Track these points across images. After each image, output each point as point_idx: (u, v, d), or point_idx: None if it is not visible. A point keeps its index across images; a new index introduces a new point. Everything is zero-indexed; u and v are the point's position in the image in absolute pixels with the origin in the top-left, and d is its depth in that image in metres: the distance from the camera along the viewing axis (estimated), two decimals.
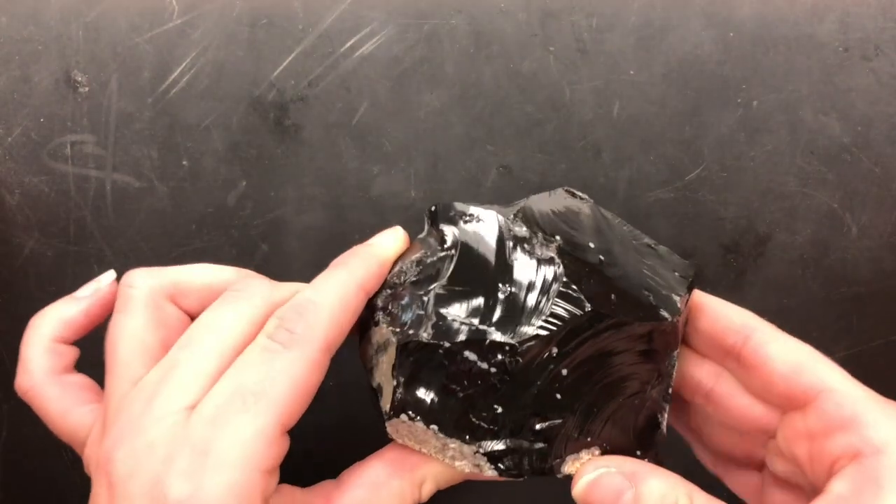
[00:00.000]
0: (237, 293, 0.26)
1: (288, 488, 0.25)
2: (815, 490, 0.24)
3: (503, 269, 0.25)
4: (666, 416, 0.27)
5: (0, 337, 0.42)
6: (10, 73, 0.39)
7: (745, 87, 0.38)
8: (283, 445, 0.23)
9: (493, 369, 0.24)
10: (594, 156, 0.39)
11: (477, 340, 0.24)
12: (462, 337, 0.24)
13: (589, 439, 0.26)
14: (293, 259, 0.40)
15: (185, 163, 0.39)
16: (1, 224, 0.40)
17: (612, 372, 0.25)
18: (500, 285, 0.25)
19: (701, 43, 0.38)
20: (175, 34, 0.39)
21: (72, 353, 0.28)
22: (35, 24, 0.39)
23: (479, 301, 0.24)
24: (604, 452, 0.26)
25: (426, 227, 0.28)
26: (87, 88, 0.39)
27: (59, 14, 0.39)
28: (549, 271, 0.25)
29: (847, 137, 0.39)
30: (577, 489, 0.26)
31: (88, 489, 0.26)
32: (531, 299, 0.24)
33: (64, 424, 0.27)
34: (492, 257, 0.25)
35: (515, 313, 0.24)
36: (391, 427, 0.25)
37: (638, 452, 0.27)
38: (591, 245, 0.26)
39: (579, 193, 0.28)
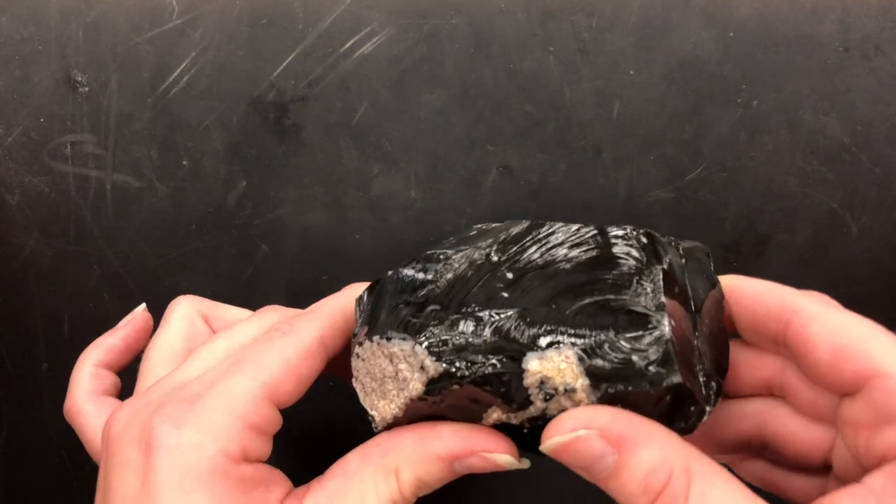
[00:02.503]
0: (261, 313, 0.29)
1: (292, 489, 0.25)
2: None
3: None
4: (665, 321, 0.22)
5: (0, 337, 0.42)
6: (10, 73, 0.39)
7: (745, 87, 0.38)
8: (269, 412, 0.24)
9: (429, 276, 0.25)
10: (594, 156, 0.39)
11: (414, 258, 0.26)
12: (402, 267, 0.26)
13: (552, 338, 0.23)
14: (293, 259, 0.40)
15: (185, 163, 0.39)
16: (1, 224, 0.40)
17: (568, 273, 0.24)
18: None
19: (701, 43, 0.38)
20: (175, 34, 0.39)
21: (112, 378, 0.31)
22: (35, 24, 0.39)
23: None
24: (580, 356, 0.22)
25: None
26: (87, 88, 0.39)
27: (59, 14, 0.39)
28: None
29: (847, 137, 0.39)
30: (548, 445, 0.22)
31: (88, 489, 0.26)
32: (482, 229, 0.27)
33: (98, 442, 0.28)
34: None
35: (463, 241, 0.26)
36: (356, 382, 0.25)
37: (634, 357, 0.22)
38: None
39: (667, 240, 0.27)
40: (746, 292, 0.25)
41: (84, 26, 0.39)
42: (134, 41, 0.39)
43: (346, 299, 0.28)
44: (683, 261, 0.26)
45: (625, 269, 0.24)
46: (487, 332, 0.23)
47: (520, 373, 0.22)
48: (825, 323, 0.23)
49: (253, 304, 0.40)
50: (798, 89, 0.38)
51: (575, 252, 0.25)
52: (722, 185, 0.39)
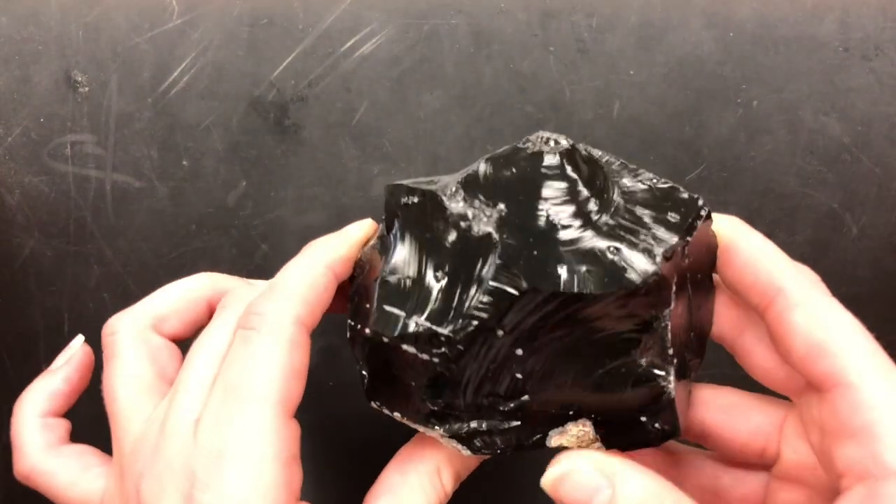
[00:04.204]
0: (222, 308, 0.26)
1: None
2: (826, 489, 0.22)
3: (438, 252, 0.24)
4: (671, 376, 0.23)
5: (0, 337, 0.42)
6: (10, 73, 0.39)
7: (745, 87, 0.38)
8: (291, 429, 0.23)
9: (435, 359, 0.23)
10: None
11: (411, 334, 0.23)
12: (397, 332, 0.23)
13: (571, 412, 0.24)
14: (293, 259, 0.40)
15: (185, 163, 0.39)
16: (1, 224, 0.40)
17: (579, 344, 0.23)
18: (436, 273, 0.24)
19: (701, 43, 0.38)
20: (175, 34, 0.39)
21: (64, 426, 0.27)
22: (35, 24, 0.39)
23: (416, 290, 0.23)
24: (596, 423, 0.24)
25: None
26: (87, 88, 0.39)
27: (59, 14, 0.39)
28: (484, 250, 0.23)
29: (847, 137, 0.39)
30: (546, 482, 0.23)
31: None
32: (466, 284, 0.23)
33: (74, 495, 0.25)
34: (427, 241, 0.24)
35: (451, 301, 0.23)
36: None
37: (643, 419, 0.24)
38: (548, 206, 0.23)
39: (555, 137, 0.25)
40: (739, 254, 0.24)
41: (84, 26, 0.39)
42: (134, 41, 0.39)
43: (311, 268, 0.25)
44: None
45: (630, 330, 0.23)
46: (507, 423, 0.24)
47: (541, 443, 0.25)
48: (807, 312, 0.22)
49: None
50: (798, 89, 0.38)
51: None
52: (722, 185, 0.39)
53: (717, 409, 0.26)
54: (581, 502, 0.22)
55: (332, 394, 0.40)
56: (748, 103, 0.39)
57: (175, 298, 0.28)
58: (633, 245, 0.23)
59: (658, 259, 0.22)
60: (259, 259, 0.40)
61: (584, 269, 0.22)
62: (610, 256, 0.22)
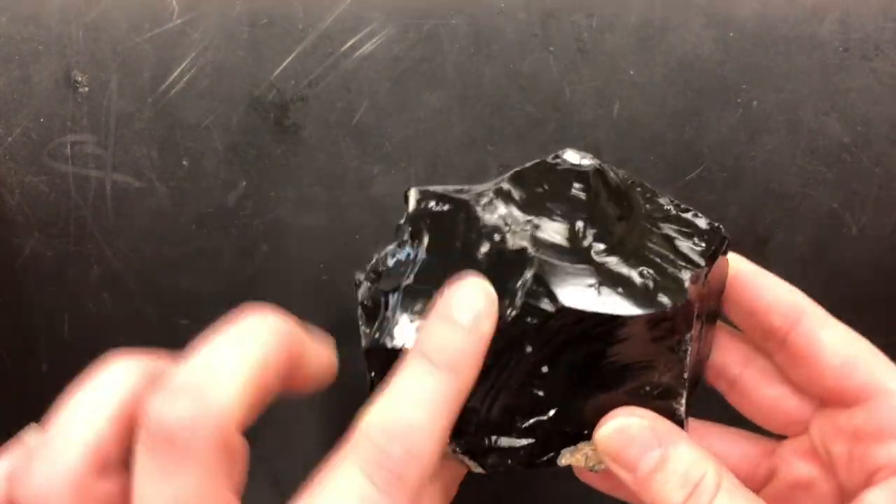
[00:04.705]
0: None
1: None
2: (844, 495, 0.23)
3: (470, 265, 0.23)
4: (684, 402, 0.24)
5: (0, 337, 0.42)
6: (10, 73, 0.39)
7: (745, 87, 0.38)
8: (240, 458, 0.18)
9: None
10: (594, 156, 0.39)
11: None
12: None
13: (586, 432, 0.24)
14: (293, 259, 0.40)
15: (185, 163, 0.39)
16: (1, 224, 0.40)
17: (604, 365, 0.23)
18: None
19: (701, 43, 0.38)
20: (175, 34, 0.39)
21: None
22: (35, 24, 0.39)
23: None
24: None
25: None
26: (87, 88, 0.39)
27: (59, 14, 0.39)
28: (518, 265, 0.23)
29: (847, 137, 0.39)
30: (601, 434, 0.23)
31: None
32: (499, 298, 0.22)
33: None
34: (458, 251, 0.24)
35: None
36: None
37: None
38: (580, 224, 0.24)
39: (582, 156, 0.26)
40: (754, 278, 0.25)
41: (84, 26, 0.39)
42: (134, 41, 0.39)
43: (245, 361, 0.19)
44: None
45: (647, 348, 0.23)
46: (522, 440, 0.24)
47: (552, 462, 0.25)
48: (836, 332, 0.24)
49: (253, 303, 0.40)
50: (798, 89, 0.38)
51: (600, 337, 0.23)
52: (722, 185, 0.39)
53: (707, 437, 0.27)
54: (632, 458, 0.22)
55: (332, 403, 0.40)
56: (748, 103, 0.39)
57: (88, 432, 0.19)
58: (662, 269, 0.23)
59: (687, 284, 0.23)
60: (259, 259, 0.40)
61: (616, 290, 0.22)
62: (641, 280, 0.23)
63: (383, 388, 0.20)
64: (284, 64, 0.39)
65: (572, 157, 0.25)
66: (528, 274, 0.22)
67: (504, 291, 0.22)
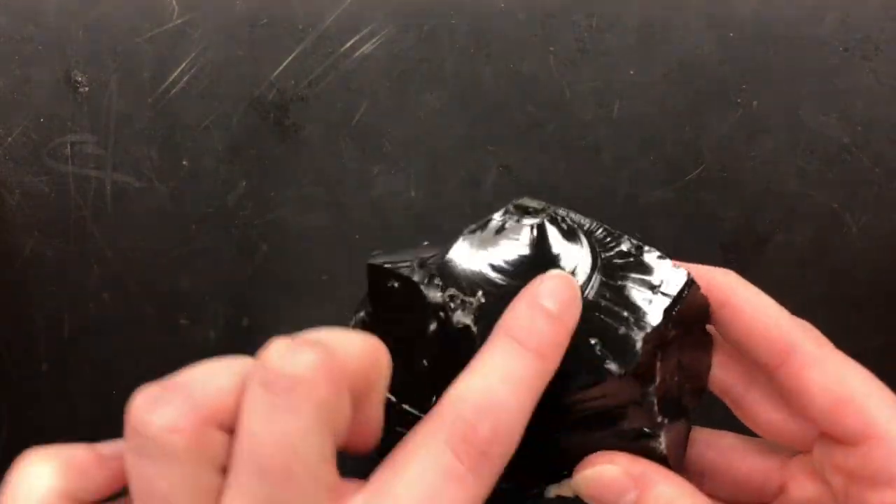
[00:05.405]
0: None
1: None
2: None
3: (422, 339, 0.23)
4: (662, 440, 0.24)
5: (0, 337, 0.42)
6: (10, 73, 0.39)
7: (745, 87, 0.38)
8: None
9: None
10: (594, 156, 0.39)
11: (394, 419, 0.22)
12: (388, 419, 0.22)
13: (566, 472, 0.24)
14: (293, 259, 0.40)
15: (185, 163, 0.39)
16: (1, 224, 0.40)
17: (564, 420, 0.23)
18: (420, 361, 0.23)
19: (701, 43, 0.38)
20: (175, 34, 0.39)
21: None
22: (35, 24, 0.39)
23: (399, 380, 0.22)
24: None
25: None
26: (87, 88, 0.39)
27: (59, 14, 0.39)
28: (463, 342, 0.22)
29: (847, 137, 0.39)
30: (577, 482, 0.23)
31: None
32: (451, 374, 0.21)
33: None
34: (413, 330, 0.24)
35: (434, 392, 0.22)
36: None
37: None
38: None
39: (533, 205, 0.24)
40: (742, 314, 0.24)
41: (84, 26, 0.39)
42: (134, 41, 0.39)
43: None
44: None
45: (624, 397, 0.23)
46: (503, 484, 0.24)
47: (539, 496, 0.25)
48: (825, 370, 0.22)
49: (253, 303, 0.40)
50: (798, 89, 0.38)
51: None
52: (722, 185, 0.39)
53: (717, 449, 0.26)
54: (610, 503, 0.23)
55: None
56: (748, 103, 0.39)
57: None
58: (613, 330, 0.23)
59: (638, 345, 0.22)
60: (259, 259, 0.40)
61: (567, 360, 0.22)
62: (591, 344, 0.22)
63: (472, 365, 0.21)
64: (284, 64, 0.39)
65: (525, 208, 0.24)
66: (472, 352, 0.22)
67: (453, 368, 0.22)
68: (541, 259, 0.23)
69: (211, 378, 0.18)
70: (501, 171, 0.39)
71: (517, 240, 0.24)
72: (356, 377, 0.19)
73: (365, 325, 0.25)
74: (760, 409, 0.25)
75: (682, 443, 0.26)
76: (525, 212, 0.24)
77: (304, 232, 0.40)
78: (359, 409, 0.19)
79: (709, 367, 0.26)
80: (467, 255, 0.24)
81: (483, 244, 0.24)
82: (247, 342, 0.40)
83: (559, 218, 0.24)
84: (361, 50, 0.39)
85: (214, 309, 0.40)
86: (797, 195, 0.39)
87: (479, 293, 0.23)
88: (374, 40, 0.39)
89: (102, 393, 0.41)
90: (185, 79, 0.39)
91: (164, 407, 0.18)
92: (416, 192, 0.39)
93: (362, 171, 0.39)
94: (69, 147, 0.39)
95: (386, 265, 0.24)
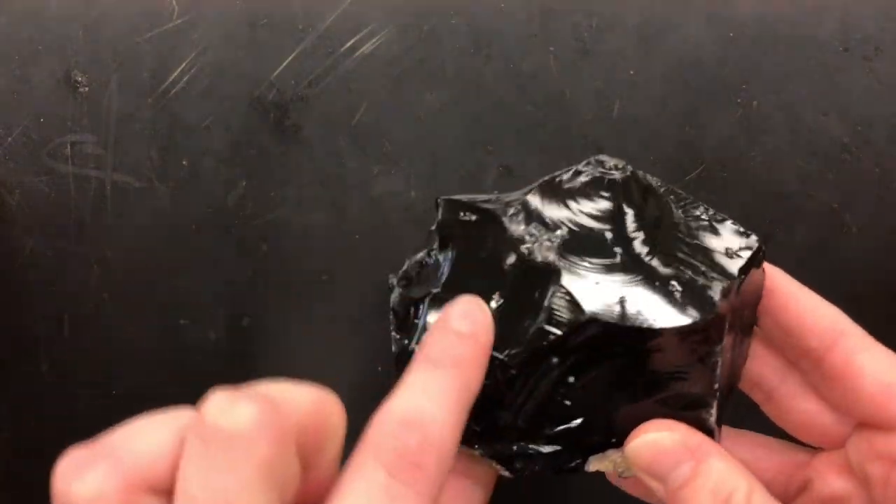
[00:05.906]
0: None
1: None
2: None
3: (497, 276, 0.23)
4: (714, 412, 0.24)
5: (0, 337, 0.42)
6: (10, 73, 0.39)
7: (745, 87, 0.38)
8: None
9: (486, 381, 0.23)
10: (594, 156, 0.39)
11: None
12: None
13: (614, 440, 0.24)
14: (293, 259, 0.40)
15: (185, 163, 0.39)
16: (1, 224, 0.40)
17: (632, 375, 0.23)
18: (494, 295, 0.23)
19: (701, 43, 0.38)
20: (175, 34, 0.39)
21: None
22: (35, 24, 0.39)
23: None
24: None
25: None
26: (87, 88, 0.39)
27: (59, 14, 0.39)
28: (544, 277, 0.23)
29: (847, 137, 0.39)
30: (632, 447, 0.23)
31: None
32: (524, 309, 0.23)
33: None
34: (484, 262, 0.24)
35: (507, 325, 0.23)
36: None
37: None
38: (608, 235, 0.24)
39: (613, 162, 0.25)
40: (792, 294, 0.24)
41: (84, 26, 0.39)
42: (134, 41, 0.39)
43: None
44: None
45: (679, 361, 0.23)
46: (549, 447, 0.24)
47: (580, 467, 0.24)
48: (876, 355, 0.23)
49: (253, 303, 0.40)
50: (798, 89, 0.38)
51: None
52: (722, 185, 0.39)
53: (739, 446, 0.26)
54: (661, 473, 0.22)
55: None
56: (748, 103, 0.39)
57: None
58: (692, 281, 0.23)
59: (717, 297, 0.22)
60: (259, 259, 0.40)
61: (644, 302, 0.22)
62: (671, 291, 0.23)
63: (394, 390, 0.21)
64: (284, 64, 0.39)
65: (605, 163, 0.25)
66: (554, 286, 0.22)
67: (530, 303, 0.23)
68: (620, 212, 0.24)
69: (143, 437, 0.17)
70: (501, 171, 0.39)
71: (600, 190, 0.24)
72: (305, 432, 0.18)
73: (423, 266, 0.26)
74: (794, 401, 0.25)
75: (719, 436, 0.26)
76: (605, 167, 0.25)
77: (304, 232, 0.40)
78: (310, 466, 0.19)
79: (745, 360, 0.26)
80: (550, 199, 0.25)
81: (569, 192, 0.25)
82: (247, 342, 0.40)
83: (640, 175, 0.25)
84: (361, 50, 0.39)
85: (214, 309, 0.40)
86: (797, 195, 0.39)
87: (562, 230, 0.24)
88: (374, 40, 0.39)
89: (102, 393, 0.41)
90: (185, 79, 0.39)
91: (88, 473, 0.17)
92: (416, 192, 0.39)
93: (362, 171, 0.39)
94: (69, 147, 0.39)
95: (461, 199, 0.25)
